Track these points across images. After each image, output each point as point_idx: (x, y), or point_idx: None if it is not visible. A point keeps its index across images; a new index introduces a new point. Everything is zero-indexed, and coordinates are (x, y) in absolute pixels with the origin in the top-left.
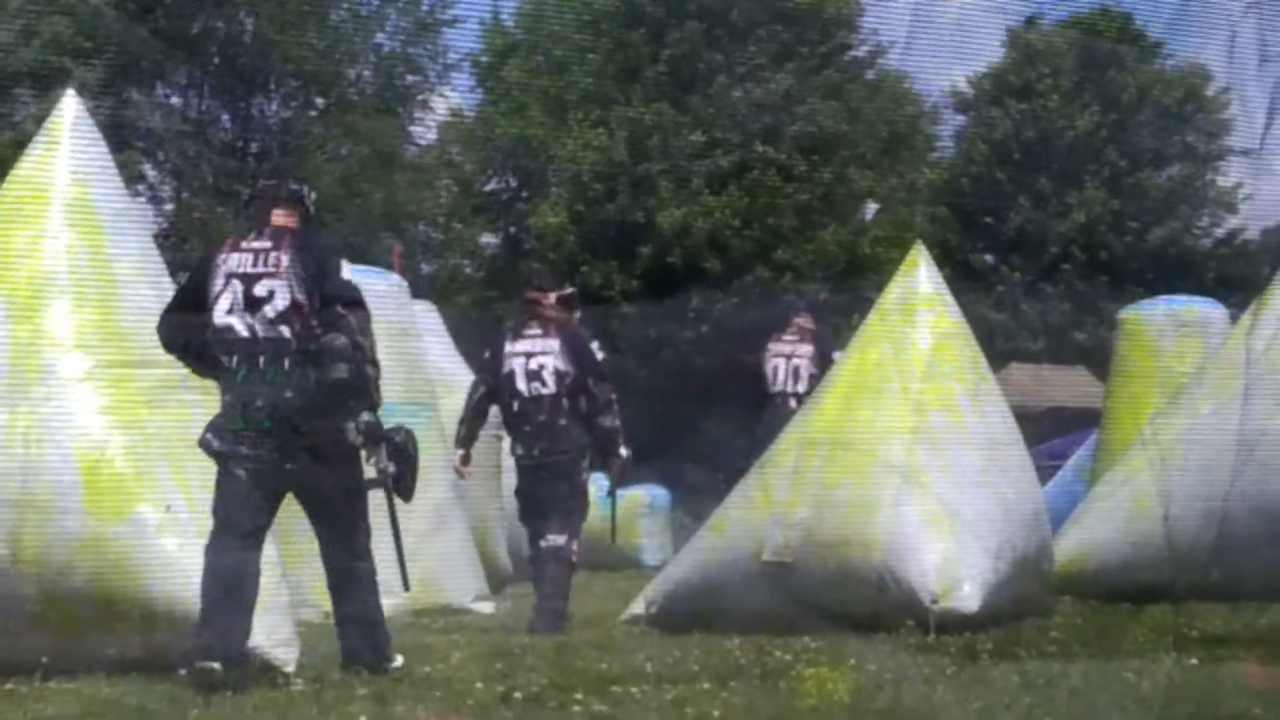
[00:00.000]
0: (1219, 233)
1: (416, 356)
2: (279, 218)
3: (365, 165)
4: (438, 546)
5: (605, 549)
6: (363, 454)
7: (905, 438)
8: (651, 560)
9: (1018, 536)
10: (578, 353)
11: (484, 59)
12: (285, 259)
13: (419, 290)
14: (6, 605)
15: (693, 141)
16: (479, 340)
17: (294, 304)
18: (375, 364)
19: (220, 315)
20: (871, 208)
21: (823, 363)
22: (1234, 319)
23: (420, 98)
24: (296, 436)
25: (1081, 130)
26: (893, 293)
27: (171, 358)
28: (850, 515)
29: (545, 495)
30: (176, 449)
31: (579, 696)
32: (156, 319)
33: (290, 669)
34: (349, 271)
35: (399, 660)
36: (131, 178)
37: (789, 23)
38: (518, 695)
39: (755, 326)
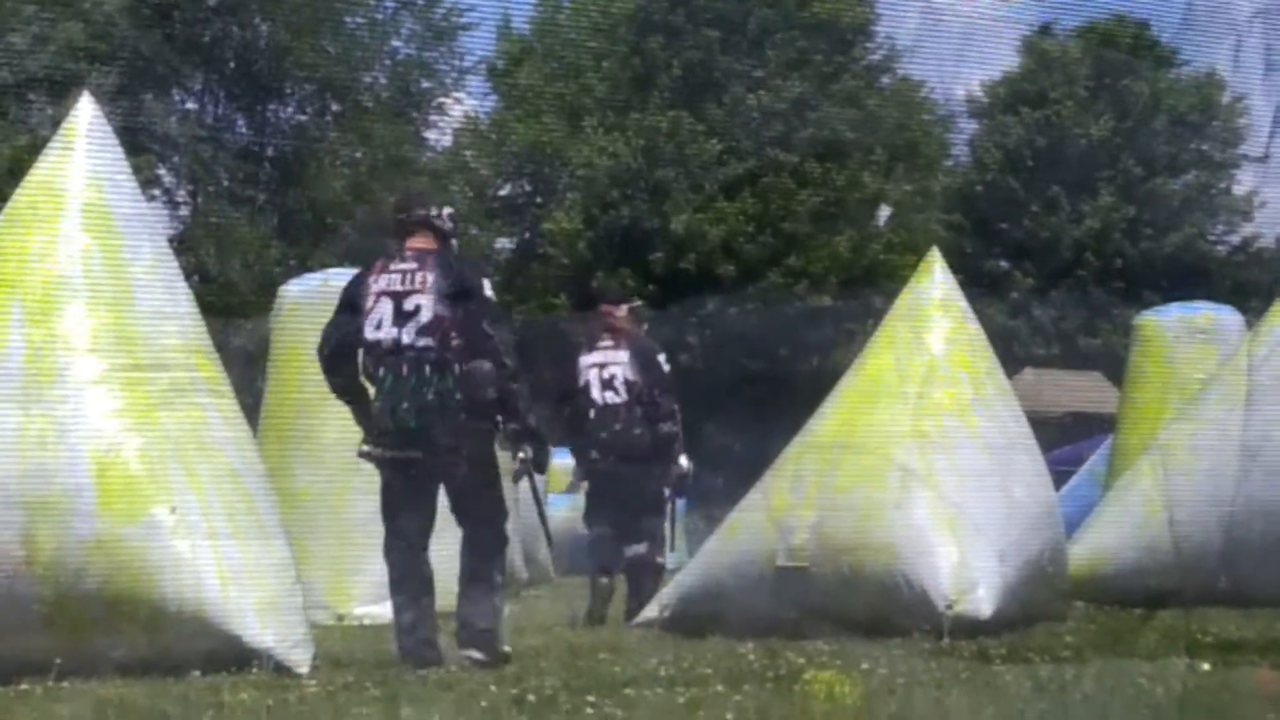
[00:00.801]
0: (1234, 239)
1: None
2: (419, 241)
3: (380, 170)
4: (450, 550)
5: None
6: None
7: (919, 441)
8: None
9: (1031, 541)
10: (646, 363)
11: (499, 64)
12: (430, 277)
13: None
14: (20, 606)
15: (707, 148)
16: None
17: (438, 317)
18: (518, 377)
19: (372, 330)
20: (885, 213)
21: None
22: (1249, 325)
23: (435, 103)
24: (442, 438)
25: (1096, 137)
26: (907, 297)
27: (189, 360)
28: (863, 519)
29: (619, 501)
30: (190, 451)
31: (592, 699)
32: (169, 322)
33: (304, 670)
34: (489, 288)
35: (508, 647)
36: (147, 182)
37: (804, 30)
38: (531, 698)
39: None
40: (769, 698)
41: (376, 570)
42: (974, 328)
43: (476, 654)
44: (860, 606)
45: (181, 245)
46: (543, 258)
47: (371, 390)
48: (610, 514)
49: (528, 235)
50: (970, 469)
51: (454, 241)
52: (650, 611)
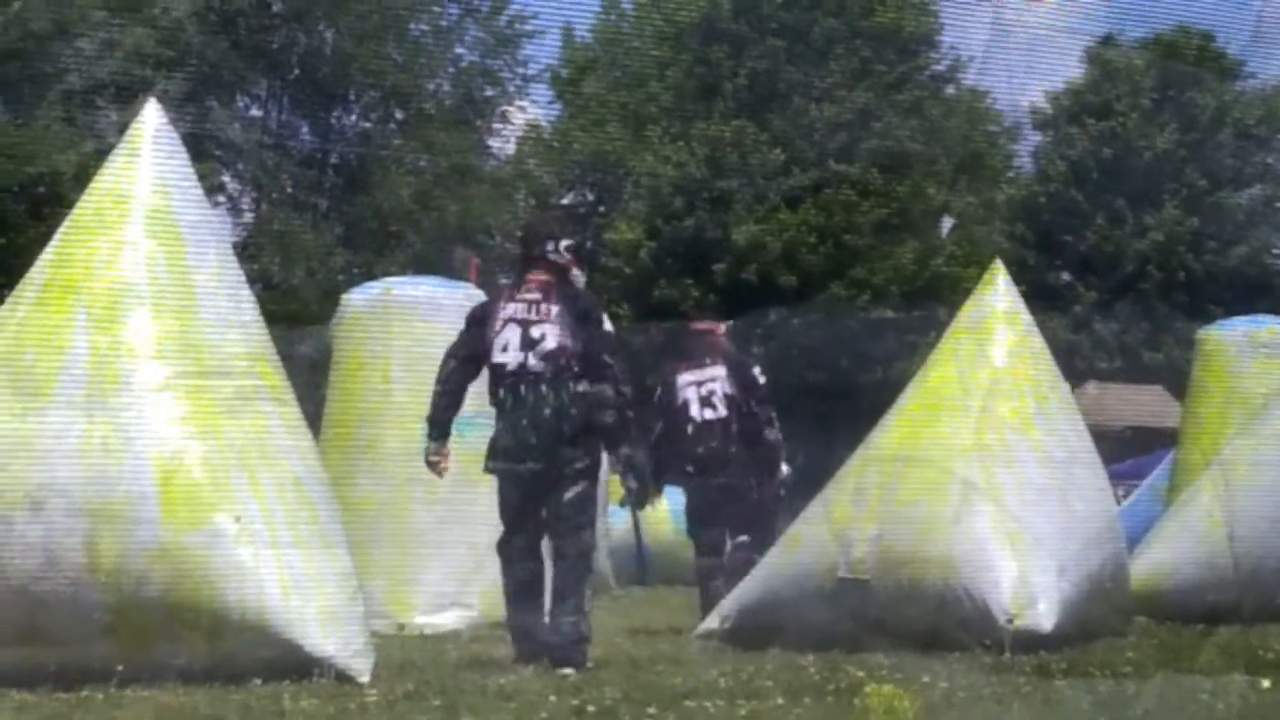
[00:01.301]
0: None
1: None
2: (542, 273)
3: (443, 178)
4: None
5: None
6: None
7: (981, 455)
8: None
9: (1093, 556)
10: (743, 376)
11: (563, 72)
12: (554, 309)
13: None
14: (83, 613)
15: (770, 158)
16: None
17: (560, 345)
18: (633, 406)
19: (499, 353)
20: (948, 225)
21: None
22: None
23: (499, 111)
24: (557, 455)
25: (1160, 149)
26: (971, 309)
27: (252, 366)
28: (924, 532)
29: (723, 513)
30: (253, 459)
31: (652, 711)
32: (234, 329)
33: (365, 679)
34: (607, 322)
35: (589, 660)
36: (211, 189)
37: (869, 39)
38: (591, 709)
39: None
40: (829, 711)
41: (437, 580)
42: (1037, 340)
43: (567, 670)
44: (921, 620)
45: (245, 252)
46: (605, 267)
47: (498, 407)
48: (714, 526)
49: (590, 245)
50: (1032, 483)
51: (576, 271)
52: (711, 623)
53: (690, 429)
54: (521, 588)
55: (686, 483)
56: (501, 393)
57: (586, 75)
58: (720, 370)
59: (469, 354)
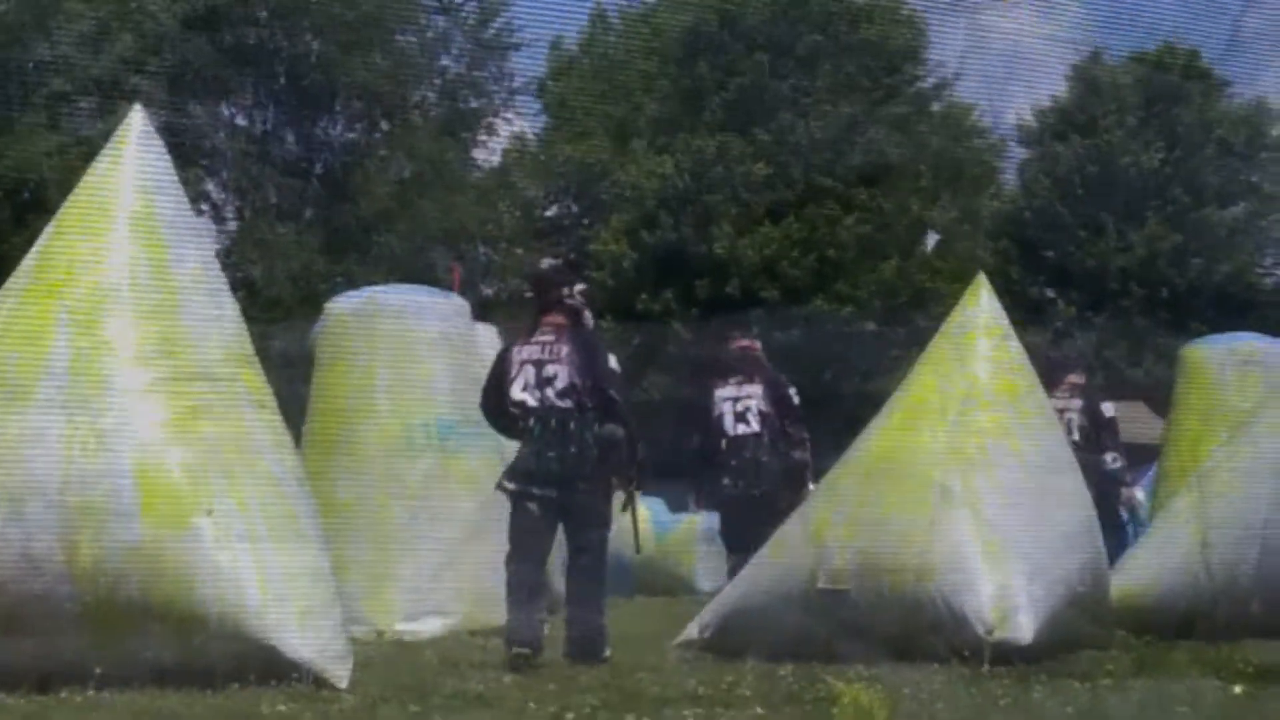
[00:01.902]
0: None
1: (478, 377)
2: (555, 318)
3: (427, 187)
4: (495, 568)
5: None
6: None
7: (960, 465)
8: (705, 585)
9: (1074, 568)
10: (779, 395)
11: (550, 84)
12: (565, 350)
13: (479, 313)
14: (61, 613)
15: (754, 171)
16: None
17: (571, 384)
18: (637, 437)
19: (518, 391)
20: (932, 240)
21: (1092, 417)
22: None
23: (484, 121)
24: (572, 482)
25: (1145, 166)
26: (954, 323)
27: (234, 372)
28: (905, 543)
29: (752, 524)
30: (232, 461)
31: (630, 718)
32: (214, 333)
33: (343, 684)
34: (614, 361)
35: (609, 651)
36: (195, 195)
37: (853, 54)
38: (570, 716)
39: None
40: None
41: (416, 586)
42: (1018, 352)
43: (587, 661)
44: (901, 630)
45: (228, 259)
46: (588, 279)
47: (519, 439)
48: (745, 538)
49: (574, 256)
50: (1012, 493)
51: (587, 314)
52: (690, 632)
53: (724, 443)
54: (523, 599)
55: (721, 494)
56: (527, 424)
57: (572, 87)
58: (757, 388)
59: (497, 398)
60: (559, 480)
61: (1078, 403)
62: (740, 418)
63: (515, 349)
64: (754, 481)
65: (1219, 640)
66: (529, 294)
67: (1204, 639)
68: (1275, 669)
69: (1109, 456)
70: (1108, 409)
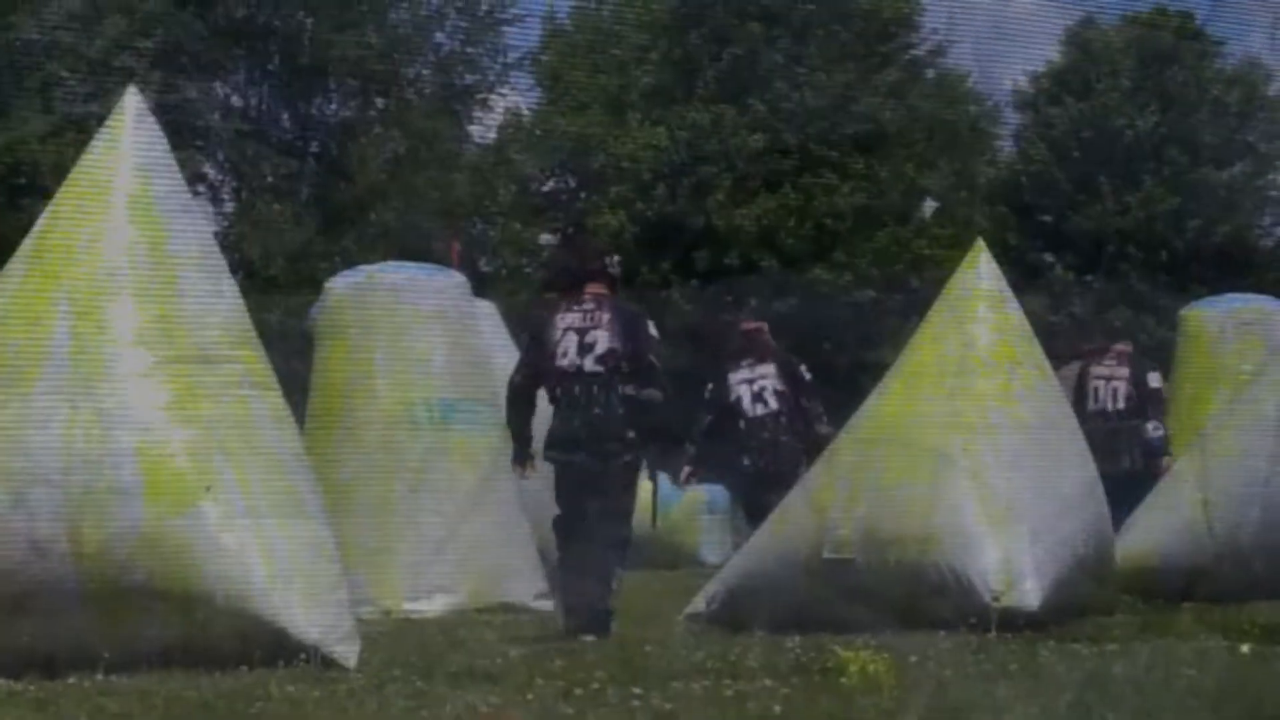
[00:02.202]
0: None
1: (478, 354)
2: (596, 287)
3: (424, 165)
4: (499, 545)
5: (663, 546)
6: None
7: (964, 433)
8: (711, 557)
9: (1079, 534)
10: (792, 374)
11: (543, 58)
12: (606, 316)
13: (478, 289)
14: (68, 599)
15: (750, 142)
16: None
17: (610, 350)
18: (672, 402)
19: (560, 359)
20: (930, 207)
21: (1138, 386)
22: None
23: (479, 97)
24: (606, 445)
25: (1140, 128)
26: (953, 289)
27: (235, 353)
28: (909, 511)
29: (771, 500)
30: (235, 444)
31: (638, 691)
32: (215, 315)
33: (351, 664)
34: (653, 328)
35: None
36: (191, 177)
37: (848, 22)
38: (578, 691)
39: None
40: (814, 691)
41: (421, 564)
42: (1018, 317)
43: (590, 637)
44: (907, 599)
45: (226, 240)
46: (565, 237)
47: (558, 404)
48: (767, 514)
49: (571, 230)
50: (1016, 460)
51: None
52: (697, 605)
53: (744, 424)
54: (574, 564)
55: (741, 475)
56: (559, 392)
57: (567, 61)
58: (770, 368)
59: (534, 366)
60: (593, 444)
61: (1125, 371)
62: (758, 398)
63: (558, 316)
64: (774, 460)
65: (1224, 601)
66: (563, 267)
67: (1208, 600)
68: (1275, 627)
69: (1151, 425)
70: (1154, 379)
